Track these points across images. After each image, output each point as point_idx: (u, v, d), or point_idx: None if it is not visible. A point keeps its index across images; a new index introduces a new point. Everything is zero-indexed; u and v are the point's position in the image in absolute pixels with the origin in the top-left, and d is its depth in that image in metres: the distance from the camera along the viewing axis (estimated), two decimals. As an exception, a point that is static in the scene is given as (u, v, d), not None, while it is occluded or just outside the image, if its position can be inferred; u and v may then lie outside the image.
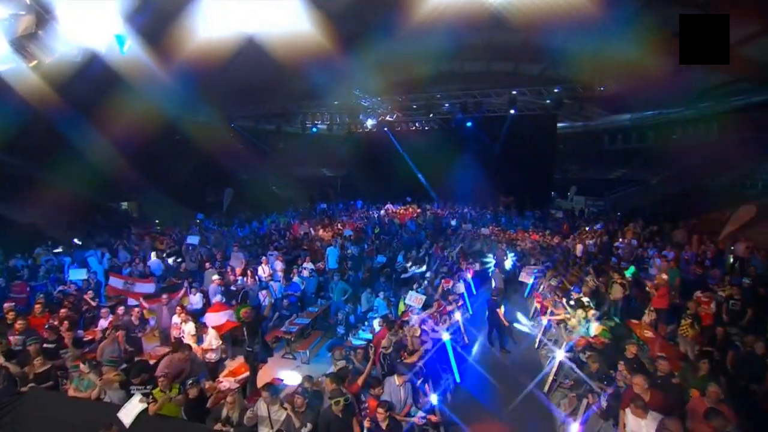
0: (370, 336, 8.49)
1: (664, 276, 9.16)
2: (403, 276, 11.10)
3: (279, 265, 12.57)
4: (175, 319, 8.09)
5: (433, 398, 5.72)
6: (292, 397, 5.26)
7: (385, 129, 24.57)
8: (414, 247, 14.46)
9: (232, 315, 8.04)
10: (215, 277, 9.95)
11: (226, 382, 6.98)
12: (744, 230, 13.82)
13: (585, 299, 8.52)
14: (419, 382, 6.13)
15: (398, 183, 26.57)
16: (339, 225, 18.43)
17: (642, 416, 4.98)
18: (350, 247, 14.39)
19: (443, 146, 23.64)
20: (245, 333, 7.01)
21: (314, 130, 27.04)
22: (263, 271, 11.82)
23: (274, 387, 5.21)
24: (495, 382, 8.00)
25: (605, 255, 13.73)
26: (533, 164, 23.74)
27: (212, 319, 8.04)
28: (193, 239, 11.95)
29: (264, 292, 10.75)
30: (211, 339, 7.50)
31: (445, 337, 7.63)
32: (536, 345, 9.39)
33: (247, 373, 7.01)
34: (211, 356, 7.48)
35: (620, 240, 14.85)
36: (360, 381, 5.85)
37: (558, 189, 26.01)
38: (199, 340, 7.72)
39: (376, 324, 8.60)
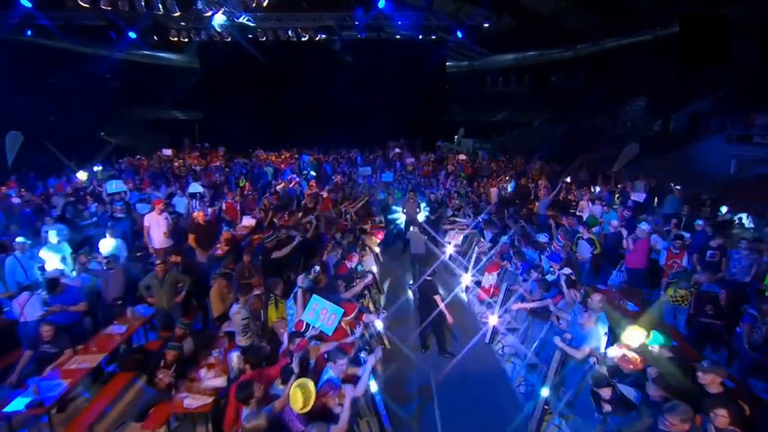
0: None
1: (644, 226, 6.38)
2: (274, 256, 6.38)
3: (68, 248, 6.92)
4: None
5: None
6: None
7: (245, 42, 17.27)
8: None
9: None
10: None
11: None
12: (630, 167, 13.32)
13: (567, 271, 5.22)
14: None
15: (270, 122, 20.11)
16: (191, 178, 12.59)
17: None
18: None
19: (324, 69, 18.20)
20: None
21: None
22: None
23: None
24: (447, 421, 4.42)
25: (524, 200, 11.12)
26: (422, 104, 20.26)
27: None
28: None
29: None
30: None
31: (373, 387, 3.62)
32: (487, 339, 6.05)
33: None
34: None
35: (531, 182, 12.48)
36: None
37: (446, 131, 23.24)
38: None
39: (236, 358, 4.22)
